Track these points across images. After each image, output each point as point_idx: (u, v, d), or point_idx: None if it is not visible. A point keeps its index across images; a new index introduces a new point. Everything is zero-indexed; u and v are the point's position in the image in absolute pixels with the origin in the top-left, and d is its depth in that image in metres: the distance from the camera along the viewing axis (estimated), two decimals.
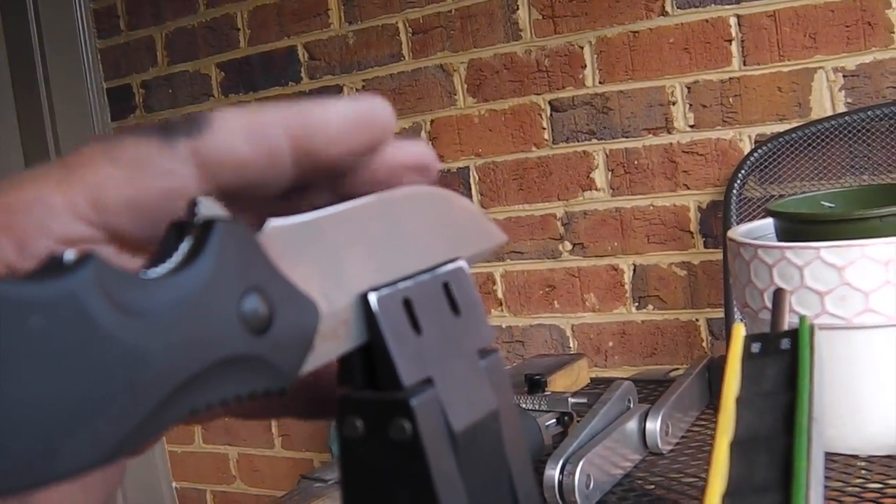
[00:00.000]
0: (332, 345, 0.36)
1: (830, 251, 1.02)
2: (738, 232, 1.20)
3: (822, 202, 1.22)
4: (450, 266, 0.42)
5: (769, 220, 1.22)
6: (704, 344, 2.27)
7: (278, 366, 0.33)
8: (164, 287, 0.29)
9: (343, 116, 0.39)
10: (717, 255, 2.20)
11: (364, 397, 0.37)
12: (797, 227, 1.11)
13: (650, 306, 2.33)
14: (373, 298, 0.37)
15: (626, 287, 2.35)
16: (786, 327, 0.69)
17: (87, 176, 0.33)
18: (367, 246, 0.39)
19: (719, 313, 2.21)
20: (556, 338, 2.44)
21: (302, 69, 2.72)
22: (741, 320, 1.94)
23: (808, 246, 1.04)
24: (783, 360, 0.61)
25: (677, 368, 2.14)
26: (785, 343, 0.63)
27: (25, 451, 0.26)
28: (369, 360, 0.38)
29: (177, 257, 0.31)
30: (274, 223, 0.35)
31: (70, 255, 0.28)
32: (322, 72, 2.69)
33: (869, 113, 1.98)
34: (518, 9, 2.38)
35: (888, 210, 1.06)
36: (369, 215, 0.40)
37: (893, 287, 1.01)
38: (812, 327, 0.63)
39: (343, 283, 0.37)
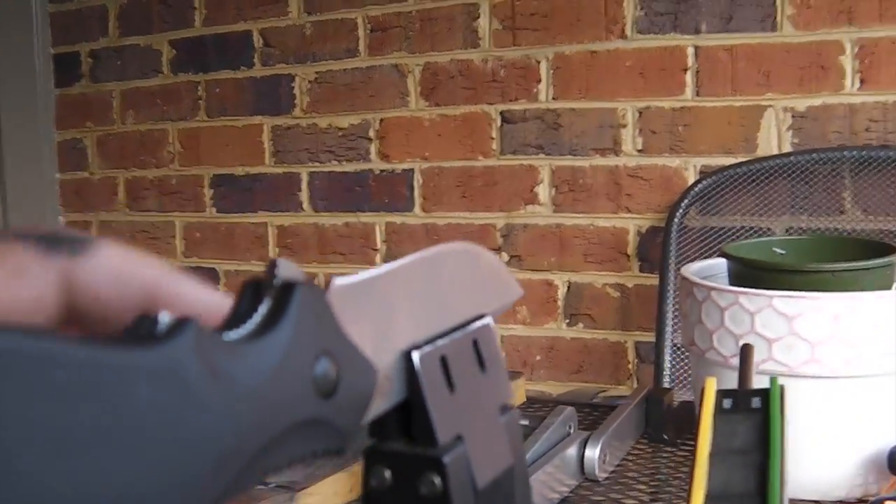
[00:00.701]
0: (379, 402, 0.37)
1: (782, 300, 1.05)
2: (691, 270, 1.22)
3: (774, 248, 1.24)
4: (479, 323, 0.44)
5: (720, 260, 1.25)
6: (630, 366, 2.30)
7: (340, 427, 0.34)
8: (251, 353, 0.30)
9: (214, 308, 0.37)
10: (652, 280, 2.23)
11: (395, 450, 0.38)
12: (751, 273, 1.14)
13: (581, 324, 2.35)
14: (416, 357, 0.38)
15: (559, 303, 2.37)
16: (753, 382, 0.71)
17: None
18: (411, 303, 0.40)
19: (648, 337, 2.24)
20: None
21: (255, 55, 2.71)
22: (679, 350, 1.97)
23: (762, 293, 1.06)
24: (754, 418, 0.63)
25: (605, 390, 2.17)
26: (755, 402, 0.65)
27: None
28: (403, 414, 0.39)
29: (256, 318, 0.31)
30: (339, 282, 0.36)
31: (165, 317, 0.28)
32: (276, 59, 2.68)
33: (814, 155, 2.02)
34: (479, 17, 2.39)
35: (841, 266, 1.09)
36: (414, 273, 0.41)
37: (839, 341, 1.04)
38: (782, 389, 0.65)
39: (390, 341, 0.38)
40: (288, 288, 0.32)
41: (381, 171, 2.55)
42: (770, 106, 2.11)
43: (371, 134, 2.56)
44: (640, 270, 2.27)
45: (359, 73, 2.57)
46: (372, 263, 2.58)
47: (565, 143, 2.32)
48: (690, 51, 2.18)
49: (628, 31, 2.23)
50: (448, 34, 2.44)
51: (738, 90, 2.13)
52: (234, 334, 0.31)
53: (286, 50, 2.66)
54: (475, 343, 0.43)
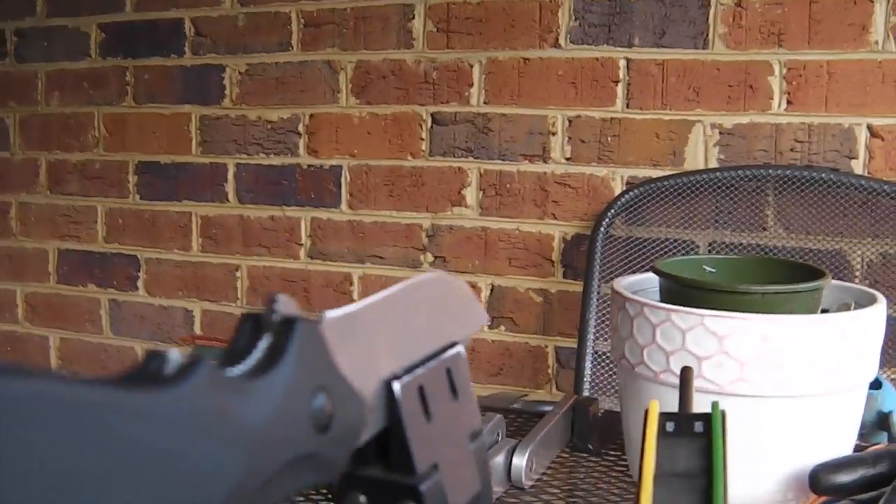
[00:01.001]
0: (364, 432, 0.37)
1: (714, 320, 1.07)
2: (622, 284, 1.24)
3: (704, 266, 1.27)
4: (452, 351, 0.44)
5: (650, 274, 1.27)
6: (550, 370, 2.32)
7: (333, 461, 0.34)
8: (256, 391, 0.30)
9: None
10: (574, 287, 2.26)
11: (372, 476, 0.39)
12: (682, 290, 1.16)
13: (502, 327, 2.37)
14: (397, 387, 0.39)
15: (482, 305, 2.38)
16: (693, 404, 0.73)
17: None
18: (391, 333, 0.41)
19: (568, 342, 2.27)
20: None
21: (186, 43, 2.69)
22: (599, 357, 1.99)
23: (693, 312, 1.08)
24: (696, 442, 0.65)
25: (526, 394, 2.19)
26: (698, 426, 0.66)
27: None
28: (380, 440, 0.39)
29: (257, 354, 0.32)
30: (330, 315, 0.36)
31: (175, 355, 0.28)
32: (206, 49, 2.66)
33: (739, 172, 2.05)
34: (414, 18, 2.40)
35: (771, 288, 1.11)
36: (395, 303, 0.41)
37: (767, 361, 1.06)
38: (724, 414, 0.67)
39: (373, 371, 0.38)
40: (288, 324, 0.33)
41: (309, 166, 2.55)
42: (698, 121, 2.14)
43: (300, 129, 2.56)
44: (564, 277, 2.30)
45: (290, 67, 2.56)
46: (296, 258, 2.58)
47: (494, 148, 2.34)
48: (622, 63, 2.20)
49: (562, 41, 2.25)
50: (382, 33, 2.44)
51: (668, 104, 2.17)
52: (236, 370, 0.31)
53: (217, 40, 2.65)
54: (448, 371, 0.44)
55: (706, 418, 0.67)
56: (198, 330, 2.73)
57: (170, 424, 0.27)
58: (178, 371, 0.28)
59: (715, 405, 0.67)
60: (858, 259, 2.00)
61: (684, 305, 1.11)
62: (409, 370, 0.41)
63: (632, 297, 1.15)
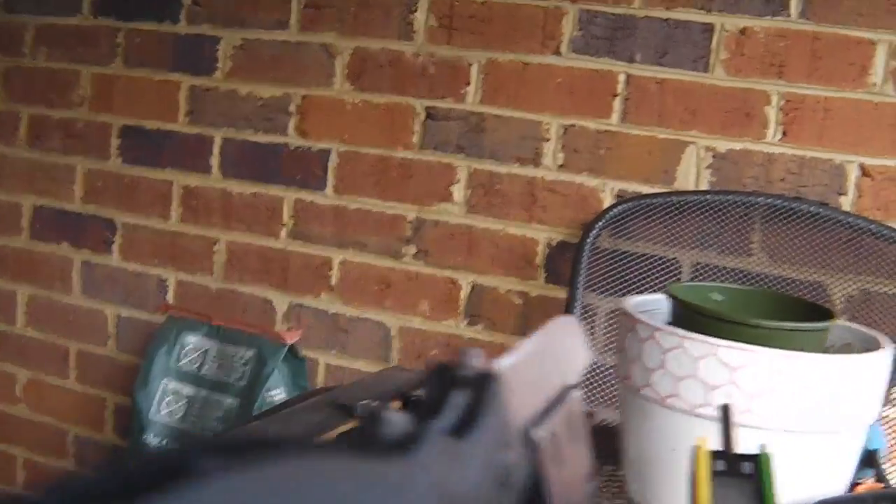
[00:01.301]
0: None
1: (728, 351, 1.09)
2: (631, 304, 1.26)
3: (712, 293, 1.29)
4: (572, 396, 0.46)
5: (656, 296, 1.29)
6: None
7: None
8: (465, 452, 0.31)
9: None
10: (555, 292, 2.28)
11: None
12: (692, 317, 1.18)
13: (480, 326, 2.39)
14: (539, 434, 0.40)
15: (461, 303, 2.40)
16: (735, 441, 0.75)
17: None
18: (534, 378, 0.42)
19: None
20: (380, 335, 2.48)
21: (182, 11, 2.67)
22: (588, 372, 2.00)
23: (707, 341, 1.10)
24: (746, 485, 0.67)
25: None
26: (746, 467, 0.68)
27: None
28: None
29: (453, 411, 0.32)
30: (503, 366, 0.37)
31: (397, 420, 0.29)
32: (202, 19, 2.65)
33: (730, 197, 2.08)
34: (416, 11, 2.41)
35: (783, 324, 1.14)
36: (540, 349, 0.43)
37: (776, 395, 1.08)
38: (770, 458, 0.69)
39: (519, 416, 0.39)
40: (484, 381, 0.33)
41: (297, 146, 2.55)
42: (692, 143, 2.17)
43: (291, 108, 2.56)
44: (546, 282, 2.32)
45: (287, 46, 2.56)
46: (277, 237, 2.58)
47: (486, 147, 2.35)
48: (622, 77, 2.22)
49: (563, 49, 2.27)
50: (383, 23, 2.44)
51: (664, 123, 2.19)
52: (436, 426, 0.31)
53: (214, 11, 2.64)
54: (569, 416, 0.45)
55: (754, 460, 0.68)
56: (171, 300, 2.72)
57: (405, 493, 0.27)
58: (406, 436, 0.28)
59: (764, 451, 0.69)
60: (839, 293, 2.04)
61: (693, 331, 1.13)
62: (542, 416, 0.42)
63: (644, 320, 1.18)
